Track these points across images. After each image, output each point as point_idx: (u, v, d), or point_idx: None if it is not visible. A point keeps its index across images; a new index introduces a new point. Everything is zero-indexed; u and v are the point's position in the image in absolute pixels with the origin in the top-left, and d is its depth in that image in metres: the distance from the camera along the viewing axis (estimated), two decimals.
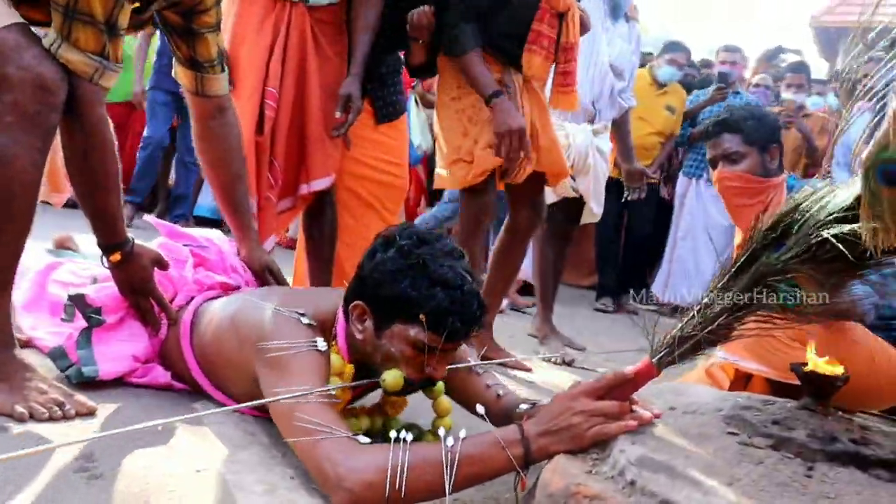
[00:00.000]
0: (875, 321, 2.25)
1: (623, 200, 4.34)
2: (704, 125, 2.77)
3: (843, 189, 1.48)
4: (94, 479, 1.37)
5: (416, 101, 5.65)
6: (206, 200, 5.96)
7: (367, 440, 1.46)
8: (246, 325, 1.71)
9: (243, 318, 1.75)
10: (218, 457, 1.55)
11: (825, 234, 1.39)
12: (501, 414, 1.70)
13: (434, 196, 5.91)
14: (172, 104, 5.76)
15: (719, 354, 2.33)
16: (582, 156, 3.78)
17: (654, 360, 1.48)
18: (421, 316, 1.53)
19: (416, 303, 1.53)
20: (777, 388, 2.22)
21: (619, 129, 4.09)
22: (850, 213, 1.41)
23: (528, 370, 3.02)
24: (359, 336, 1.63)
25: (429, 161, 5.67)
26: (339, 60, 2.69)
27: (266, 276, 2.21)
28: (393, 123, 3.01)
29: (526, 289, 4.91)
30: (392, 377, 1.58)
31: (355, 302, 1.62)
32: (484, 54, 2.85)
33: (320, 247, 2.78)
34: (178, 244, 2.16)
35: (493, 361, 2.49)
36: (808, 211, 1.48)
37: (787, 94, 5.57)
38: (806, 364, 1.58)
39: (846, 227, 1.39)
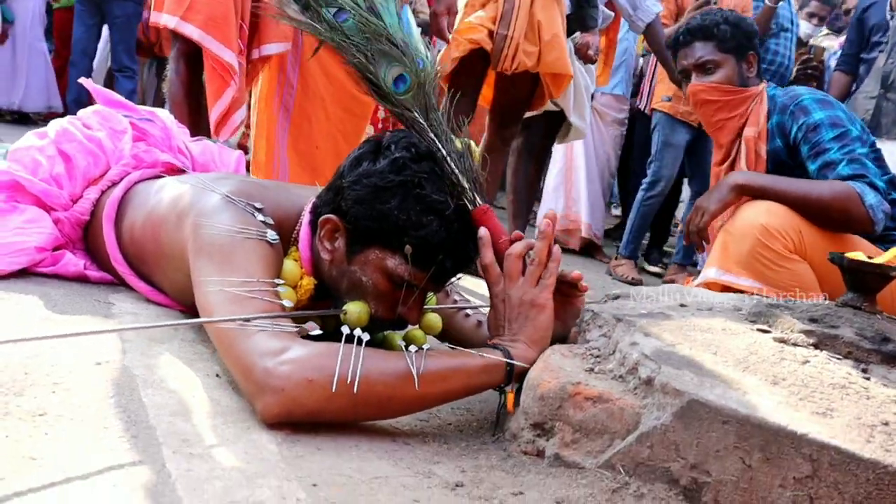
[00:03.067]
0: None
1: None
2: (675, 33, 2.46)
3: None
4: None
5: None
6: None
7: (318, 330, 1.17)
8: (188, 208, 1.37)
9: (187, 200, 1.40)
10: (126, 350, 1.24)
11: None
12: (481, 344, 1.43)
13: None
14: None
15: (710, 273, 2.07)
16: None
17: (476, 204, 1.28)
18: (406, 246, 1.22)
19: (403, 229, 1.23)
20: None
21: (650, 38, 3.78)
22: None
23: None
24: (325, 256, 1.32)
25: None
26: None
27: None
28: None
29: None
30: (356, 310, 1.26)
31: (327, 215, 1.30)
32: None
33: None
34: (116, 113, 1.81)
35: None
36: None
37: (805, 25, 4.96)
38: (845, 254, 1.31)
39: None
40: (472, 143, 1.33)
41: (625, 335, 1.12)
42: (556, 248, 1.25)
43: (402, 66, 1.34)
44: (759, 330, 1.18)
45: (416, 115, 1.31)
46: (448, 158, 1.27)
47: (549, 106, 3.55)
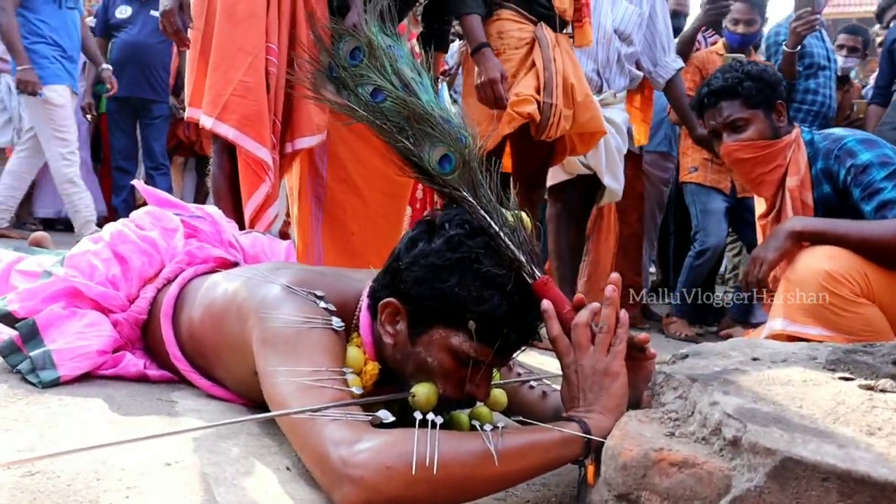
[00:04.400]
0: None
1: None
2: (698, 95, 2.46)
3: None
4: (30, 476, 1.05)
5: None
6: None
7: (391, 417, 1.15)
8: (249, 300, 1.38)
9: (246, 292, 1.41)
10: (194, 448, 1.23)
11: None
12: (549, 416, 1.41)
13: None
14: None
15: (776, 324, 2.01)
16: None
17: (536, 277, 1.26)
18: (469, 322, 1.21)
19: (465, 306, 1.21)
20: None
21: (671, 94, 3.80)
22: None
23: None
24: (388, 340, 1.31)
25: None
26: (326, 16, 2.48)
27: None
28: None
29: None
30: (424, 392, 1.24)
31: (387, 299, 1.30)
32: (515, 12, 2.95)
33: None
34: (167, 212, 1.85)
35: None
36: None
37: (838, 59, 4.81)
38: None
39: None
40: (524, 215, 1.32)
41: (702, 395, 1.09)
42: (623, 314, 1.23)
43: (446, 146, 1.34)
44: (841, 378, 1.13)
45: (464, 193, 1.31)
46: (501, 233, 1.26)
47: (581, 169, 3.56)
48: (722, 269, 5.77)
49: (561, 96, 2.90)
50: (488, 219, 1.27)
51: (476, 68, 2.87)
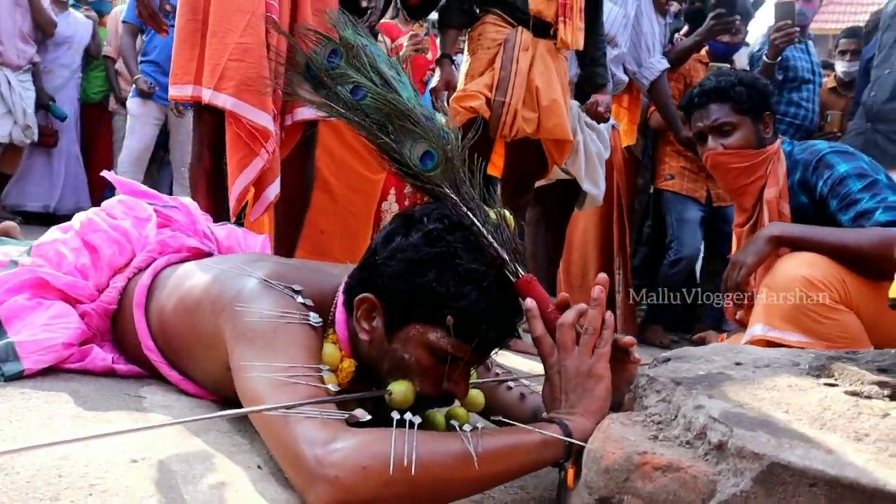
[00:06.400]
0: None
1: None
2: (688, 95, 2.46)
3: None
4: None
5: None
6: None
7: (367, 416, 1.11)
8: (224, 293, 1.33)
9: (221, 285, 1.36)
10: (161, 445, 1.18)
11: None
12: (526, 418, 1.37)
13: None
14: None
15: (756, 330, 2.01)
16: None
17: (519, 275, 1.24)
18: (447, 318, 1.18)
19: (443, 301, 1.18)
20: None
21: (655, 95, 3.79)
22: None
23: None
24: (364, 336, 1.27)
25: None
26: None
27: None
28: None
29: None
30: (401, 390, 1.21)
31: (363, 294, 1.27)
32: (498, 16, 3.01)
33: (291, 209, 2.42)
34: (140, 201, 1.80)
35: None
36: None
37: (840, 65, 4.94)
38: None
39: None
40: (507, 213, 1.30)
41: (686, 399, 1.06)
42: (609, 315, 1.21)
43: (427, 142, 1.31)
44: (826, 384, 1.12)
45: (446, 190, 1.28)
46: (484, 230, 1.23)
47: (560, 175, 3.54)
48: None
49: (517, 97, 2.91)
50: (471, 216, 1.25)
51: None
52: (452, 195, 1.27)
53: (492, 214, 1.27)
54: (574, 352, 1.18)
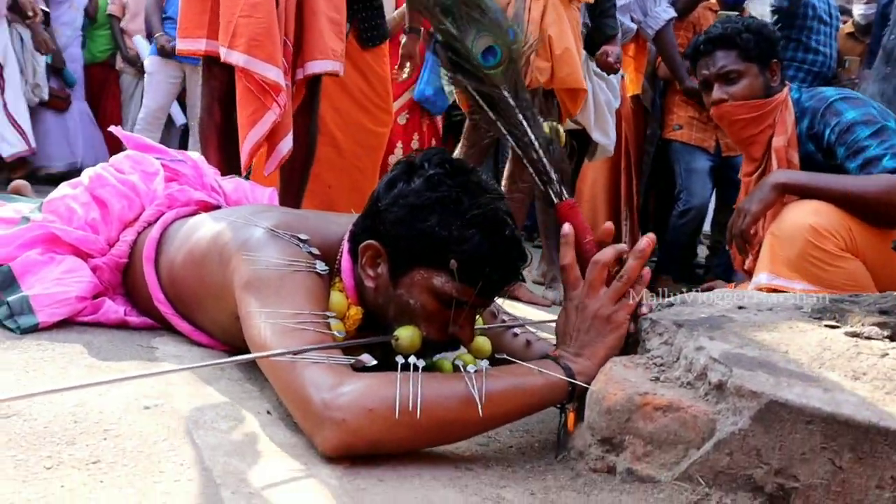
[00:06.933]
0: None
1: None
2: (694, 43, 2.41)
3: None
4: (5, 418, 1.04)
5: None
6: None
7: (373, 361, 1.13)
8: (232, 242, 1.34)
9: (229, 235, 1.37)
10: (174, 392, 1.21)
11: None
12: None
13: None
14: None
15: (761, 278, 2.00)
16: None
17: (563, 198, 1.23)
18: (451, 262, 1.18)
19: (446, 245, 1.18)
20: None
21: (660, 44, 3.74)
22: None
23: (547, 305, 2.86)
24: (370, 283, 1.28)
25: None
26: None
27: None
28: (377, 50, 2.91)
29: None
30: (407, 335, 1.22)
31: (367, 241, 1.27)
32: None
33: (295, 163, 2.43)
34: (147, 156, 1.81)
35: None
36: None
37: (858, 7, 4.73)
38: None
39: None
40: (561, 129, 1.26)
41: (688, 340, 1.08)
42: (647, 271, 1.19)
43: (493, 37, 1.26)
44: (827, 326, 1.13)
45: (505, 93, 1.24)
46: (537, 144, 1.21)
47: (568, 124, 3.52)
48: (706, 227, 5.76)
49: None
50: (525, 125, 1.22)
51: None
52: (511, 99, 1.24)
53: (546, 128, 1.25)
54: (600, 293, 1.18)
